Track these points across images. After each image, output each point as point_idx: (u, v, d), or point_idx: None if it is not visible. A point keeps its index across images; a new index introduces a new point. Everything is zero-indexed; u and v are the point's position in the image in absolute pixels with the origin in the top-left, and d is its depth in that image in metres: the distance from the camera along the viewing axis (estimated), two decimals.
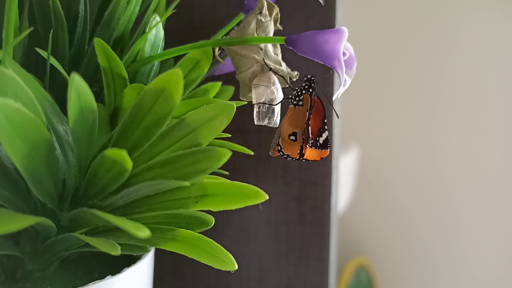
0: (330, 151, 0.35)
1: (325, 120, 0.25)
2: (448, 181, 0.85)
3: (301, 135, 0.25)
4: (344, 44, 0.20)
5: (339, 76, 0.21)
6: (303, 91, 0.25)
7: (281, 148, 0.25)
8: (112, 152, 0.17)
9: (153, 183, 0.18)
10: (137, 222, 0.17)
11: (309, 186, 0.35)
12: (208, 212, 0.39)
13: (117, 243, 0.20)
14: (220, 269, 0.38)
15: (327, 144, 0.25)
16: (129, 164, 0.17)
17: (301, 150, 0.25)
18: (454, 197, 0.85)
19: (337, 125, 0.35)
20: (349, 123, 0.87)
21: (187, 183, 0.17)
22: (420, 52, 0.85)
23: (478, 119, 0.83)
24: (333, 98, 0.22)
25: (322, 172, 0.35)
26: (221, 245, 0.37)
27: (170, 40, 0.27)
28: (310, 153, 0.25)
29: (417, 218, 0.86)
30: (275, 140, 0.25)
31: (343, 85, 0.21)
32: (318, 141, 0.25)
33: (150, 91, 0.19)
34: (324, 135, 0.25)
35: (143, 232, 0.16)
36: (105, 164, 0.18)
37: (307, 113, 0.25)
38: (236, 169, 0.36)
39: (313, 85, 0.25)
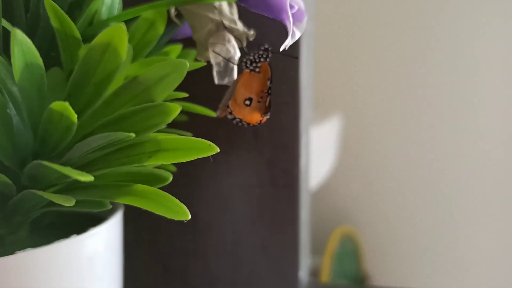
0: (299, 114, 0.35)
1: (270, 85, 0.25)
2: (435, 149, 0.85)
3: (256, 102, 0.25)
4: None
5: (287, 29, 0.21)
6: (261, 59, 0.25)
7: (231, 111, 0.25)
8: (56, 105, 0.17)
9: (102, 136, 0.19)
10: (81, 171, 0.17)
11: (280, 150, 0.35)
12: (186, 185, 0.39)
13: (76, 200, 0.20)
14: (196, 235, 0.39)
15: (269, 109, 0.25)
16: (74, 115, 0.17)
17: (261, 119, 0.26)
18: (443, 164, 0.85)
19: (306, 88, 0.36)
20: (331, 91, 0.87)
21: (132, 135, 0.18)
22: (408, 19, 0.84)
23: (467, 85, 0.83)
24: (280, 49, 0.22)
25: (292, 136, 0.35)
26: (197, 212, 0.38)
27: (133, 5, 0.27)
28: (256, 118, 0.25)
29: (403, 186, 0.87)
30: (224, 102, 0.25)
31: (291, 37, 0.21)
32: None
33: (95, 46, 0.19)
34: (268, 99, 0.25)
35: (86, 177, 0.16)
36: (53, 118, 0.18)
37: (268, 82, 0.25)
38: (208, 136, 0.36)
39: (270, 55, 0.25)
